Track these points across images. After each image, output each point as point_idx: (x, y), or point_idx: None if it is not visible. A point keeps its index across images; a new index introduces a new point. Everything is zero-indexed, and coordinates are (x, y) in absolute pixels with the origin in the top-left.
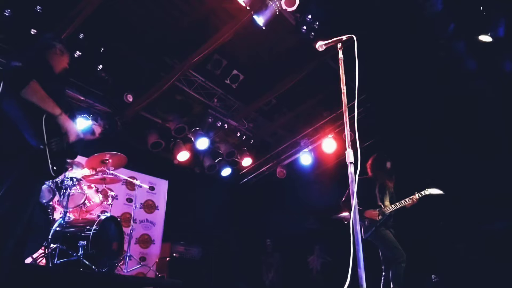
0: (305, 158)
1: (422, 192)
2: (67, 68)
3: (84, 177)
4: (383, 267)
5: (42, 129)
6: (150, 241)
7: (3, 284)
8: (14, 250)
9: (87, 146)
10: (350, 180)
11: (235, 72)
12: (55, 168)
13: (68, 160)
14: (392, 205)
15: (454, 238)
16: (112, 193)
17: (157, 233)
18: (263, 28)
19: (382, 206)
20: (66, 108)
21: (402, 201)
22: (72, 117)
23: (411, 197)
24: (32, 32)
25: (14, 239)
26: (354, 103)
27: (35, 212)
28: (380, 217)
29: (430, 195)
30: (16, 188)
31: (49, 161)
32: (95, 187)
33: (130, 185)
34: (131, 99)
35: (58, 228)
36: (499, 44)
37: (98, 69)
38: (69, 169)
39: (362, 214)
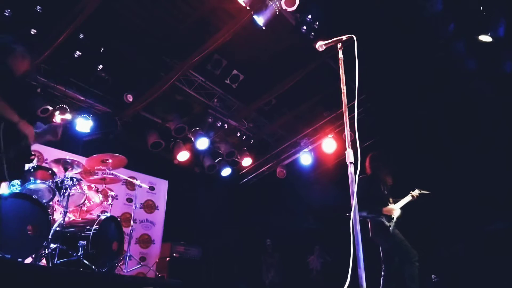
0: (305, 158)
1: (418, 190)
2: (29, 70)
3: (84, 177)
4: (383, 266)
5: (0, 137)
6: (150, 241)
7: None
8: None
9: (88, 146)
10: (350, 180)
11: (235, 72)
12: (10, 173)
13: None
14: (399, 202)
15: (454, 238)
16: (112, 193)
17: (157, 233)
18: (263, 28)
19: (388, 204)
20: (26, 111)
21: (405, 198)
22: (33, 119)
23: (412, 194)
24: (32, 32)
25: None
26: (354, 103)
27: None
28: (394, 214)
29: (422, 194)
30: None
31: (5, 167)
32: (95, 187)
33: (130, 185)
34: (131, 99)
35: (58, 228)
36: (499, 44)
37: (98, 69)
38: (68, 169)
39: (380, 212)
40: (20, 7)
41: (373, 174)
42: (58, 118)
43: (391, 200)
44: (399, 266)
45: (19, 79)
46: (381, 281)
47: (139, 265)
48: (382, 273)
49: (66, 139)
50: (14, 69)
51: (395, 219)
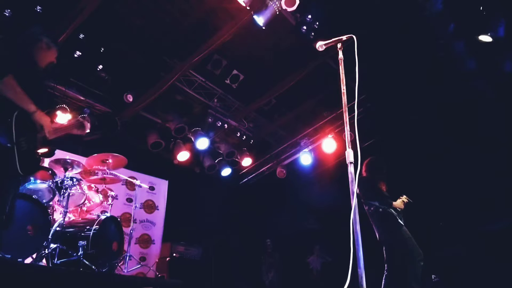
0: (305, 158)
1: (405, 196)
2: (54, 62)
3: (84, 177)
4: (386, 265)
5: (12, 127)
6: (150, 241)
7: (2, 284)
8: None
9: (88, 146)
10: (350, 180)
11: (235, 72)
12: (23, 166)
13: (43, 157)
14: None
15: (454, 238)
16: (112, 193)
17: (157, 233)
18: (263, 28)
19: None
20: (46, 104)
21: (404, 198)
22: (52, 113)
23: (403, 199)
24: None
25: None
26: (354, 103)
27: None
28: (402, 207)
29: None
30: None
31: (17, 160)
32: (95, 187)
33: (130, 185)
34: (131, 99)
35: (58, 228)
36: (499, 44)
37: (98, 69)
38: (68, 169)
39: (391, 204)
40: (20, 7)
41: (370, 177)
42: (59, 118)
43: None
44: (403, 265)
45: (43, 70)
46: (383, 280)
47: (139, 265)
48: (385, 272)
49: (66, 139)
50: (38, 60)
51: (402, 214)
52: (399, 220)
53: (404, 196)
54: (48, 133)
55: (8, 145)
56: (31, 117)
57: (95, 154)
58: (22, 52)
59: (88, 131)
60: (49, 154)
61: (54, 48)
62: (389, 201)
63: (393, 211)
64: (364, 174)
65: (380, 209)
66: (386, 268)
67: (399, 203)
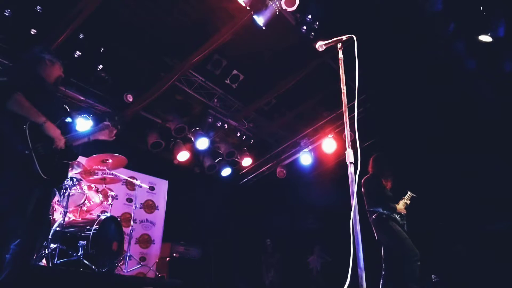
0: (305, 158)
1: (409, 192)
2: (62, 76)
3: (84, 177)
4: (383, 265)
5: (26, 135)
6: (150, 241)
7: (8, 284)
8: (21, 251)
9: (88, 146)
10: (350, 180)
11: (235, 72)
12: (45, 170)
13: (69, 162)
14: (402, 201)
15: (454, 238)
16: (112, 193)
17: (157, 233)
18: (263, 28)
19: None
20: (60, 115)
21: (403, 202)
22: (69, 122)
23: (405, 201)
24: (32, 32)
25: (14, 240)
26: (354, 103)
27: (42, 213)
28: (405, 212)
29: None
30: (12, 189)
31: (37, 165)
32: (95, 187)
33: (130, 185)
34: (131, 99)
35: (58, 228)
36: (499, 44)
37: (98, 69)
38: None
39: (394, 209)
40: (20, 7)
41: (377, 174)
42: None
43: None
44: (400, 265)
45: (54, 85)
46: (381, 280)
47: (139, 265)
48: (383, 272)
49: None
50: (46, 77)
51: (405, 218)
52: (400, 224)
53: (407, 195)
54: (57, 143)
55: (26, 151)
56: (41, 128)
57: (95, 155)
58: (29, 73)
59: (113, 137)
60: (72, 157)
61: (57, 62)
62: (391, 205)
63: (396, 216)
64: (370, 170)
65: (384, 216)
66: (383, 268)
67: (402, 207)
